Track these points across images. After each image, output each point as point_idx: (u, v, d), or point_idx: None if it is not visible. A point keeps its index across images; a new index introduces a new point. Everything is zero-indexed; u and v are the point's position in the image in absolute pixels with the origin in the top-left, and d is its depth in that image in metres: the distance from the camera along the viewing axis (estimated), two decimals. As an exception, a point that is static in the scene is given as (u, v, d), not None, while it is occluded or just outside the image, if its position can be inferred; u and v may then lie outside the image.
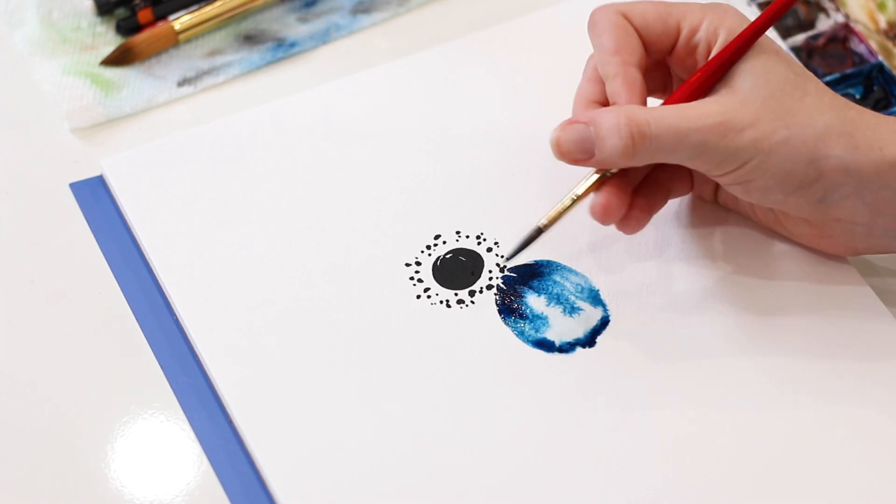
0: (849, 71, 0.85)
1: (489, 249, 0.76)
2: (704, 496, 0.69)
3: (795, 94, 0.70)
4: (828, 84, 0.82)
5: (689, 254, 0.76)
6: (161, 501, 0.70)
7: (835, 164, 0.69)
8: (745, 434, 0.70)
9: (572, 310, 0.74)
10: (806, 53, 0.86)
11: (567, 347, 0.73)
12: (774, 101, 0.69)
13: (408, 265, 0.76)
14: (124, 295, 0.76)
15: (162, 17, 0.86)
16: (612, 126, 0.69)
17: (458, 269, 0.76)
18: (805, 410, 0.71)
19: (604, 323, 0.74)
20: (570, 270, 0.76)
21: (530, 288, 0.75)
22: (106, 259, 0.77)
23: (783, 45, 0.86)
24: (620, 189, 0.71)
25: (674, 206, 0.77)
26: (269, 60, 0.86)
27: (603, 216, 0.70)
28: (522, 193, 0.78)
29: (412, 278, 0.75)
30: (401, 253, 0.76)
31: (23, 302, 0.76)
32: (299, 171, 0.79)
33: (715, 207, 0.77)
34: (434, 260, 0.76)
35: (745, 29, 0.71)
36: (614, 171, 0.71)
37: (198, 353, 0.73)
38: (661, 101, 0.74)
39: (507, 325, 0.74)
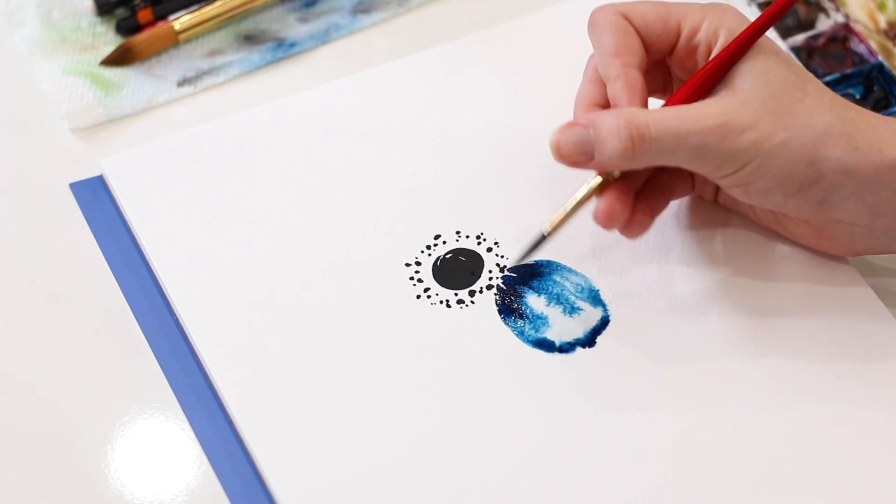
0: (849, 71, 0.85)
1: (489, 249, 0.76)
2: (704, 496, 0.69)
3: (795, 94, 0.69)
4: (828, 84, 0.82)
5: (690, 254, 0.76)
6: (161, 501, 0.70)
7: (834, 165, 0.69)
8: (746, 434, 0.70)
9: (572, 310, 0.74)
10: (806, 53, 0.86)
11: (567, 347, 0.73)
12: (774, 102, 0.69)
13: (408, 265, 0.76)
14: (124, 295, 0.76)
15: (162, 17, 0.86)
16: (611, 128, 0.69)
17: (458, 269, 0.76)
18: (805, 411, 0.71)
19: (604, 323, 0.74)
20: (571, 270, 0.76)
21: (530, 288, 0.75)
22: (106, 259, 0.77)
23: (783, 45, 0.86)
24: (623, 193, 0.70)
25: (674, 207, 0.77)
26: (269, 60, 0.86)
27: (606, 221, 0.70)
28: (522, 193, 0.78)
29: (412, 278, 0.75)
30: (401, 253, 0.76)
31: (23, 302, 0.76)
32: (299, 171, 0.79)
33: (715, 208, 0.77)
34: (434, 260, 0.76)
35: (745, 29, 0.71)
36: (617, 175, 0.70)
37: (198, 353, 0.73)
38: (661, 102, 0.74)
39: (507, 325, 0.74)
